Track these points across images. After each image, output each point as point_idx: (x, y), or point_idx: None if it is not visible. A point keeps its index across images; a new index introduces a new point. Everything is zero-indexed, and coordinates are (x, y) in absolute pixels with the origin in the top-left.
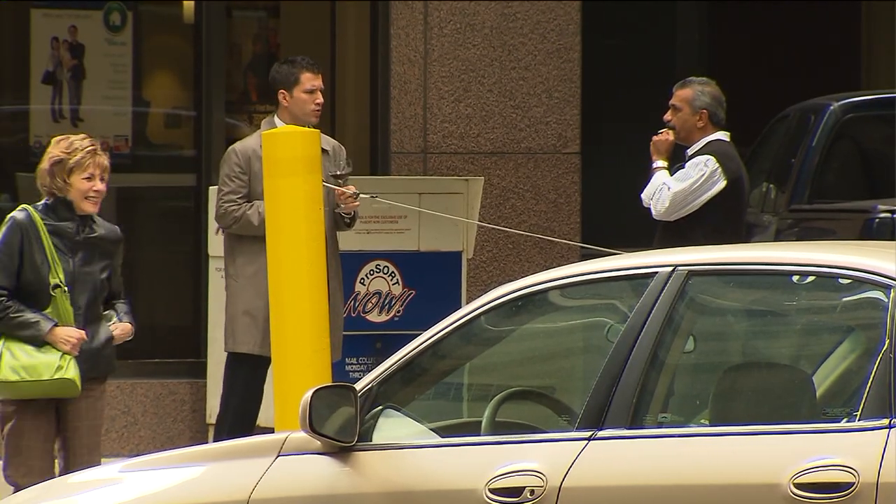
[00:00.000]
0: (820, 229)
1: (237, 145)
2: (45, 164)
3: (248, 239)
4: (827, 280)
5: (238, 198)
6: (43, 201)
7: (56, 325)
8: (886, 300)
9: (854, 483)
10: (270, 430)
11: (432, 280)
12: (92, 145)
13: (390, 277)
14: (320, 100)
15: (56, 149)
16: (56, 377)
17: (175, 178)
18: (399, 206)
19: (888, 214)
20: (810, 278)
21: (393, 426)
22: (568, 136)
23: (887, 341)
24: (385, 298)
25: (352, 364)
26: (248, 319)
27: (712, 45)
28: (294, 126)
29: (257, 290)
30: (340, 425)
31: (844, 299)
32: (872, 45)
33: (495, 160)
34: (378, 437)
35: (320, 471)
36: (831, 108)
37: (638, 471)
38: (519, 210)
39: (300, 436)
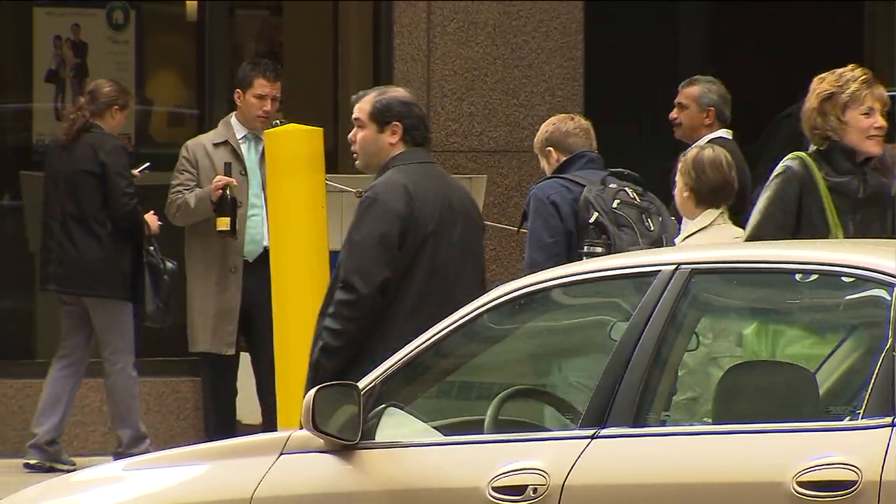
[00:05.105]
0: None
1: (190, 141)
2: (812, 101)
3: (197, 238)
4: (830, 278)
5: (185, 190)
6: (815, 148)
7: None
8: (889, 298)
9: (857, 481)
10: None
11: None
12: (865, 74)
13: None
14: (268, 107)
15: (823, 84)
16: None
17: None
18: None
19: None
20: (813, 277)
21: (396, 424)
22: None
23: (890, 339)
24: None
25: None
26: (200, 319)
27: (715, 43)
28: (297, 125)
29: (205, 290)
30: (343, 423)
31: (847, 297)
32: (875, 46)
33: (498, 158)
34: (381, 435)
35: (323, 469)
36: None
37: (641, 469)
38: (522, 208)
39: (303, 434)
